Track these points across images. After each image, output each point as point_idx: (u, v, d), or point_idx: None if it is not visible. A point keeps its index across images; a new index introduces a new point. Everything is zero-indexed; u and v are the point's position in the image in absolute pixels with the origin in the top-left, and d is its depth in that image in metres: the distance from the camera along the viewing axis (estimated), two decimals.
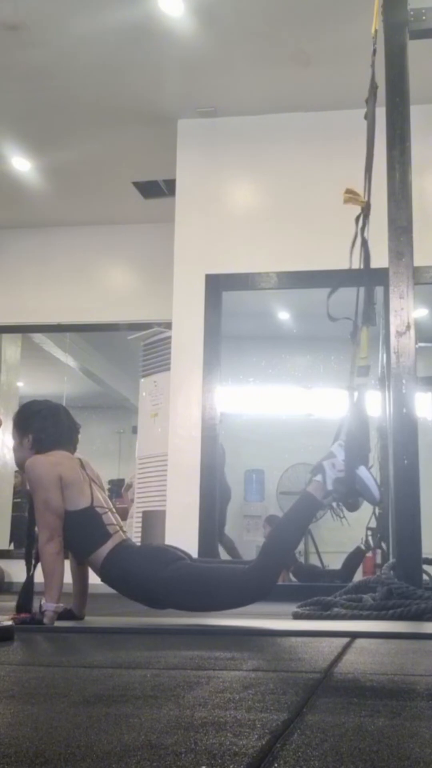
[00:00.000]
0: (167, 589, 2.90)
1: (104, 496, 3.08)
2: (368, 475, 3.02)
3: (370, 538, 6.20)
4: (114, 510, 3.09)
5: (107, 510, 3.02)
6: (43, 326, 8.55)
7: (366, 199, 3.71)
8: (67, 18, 5.33)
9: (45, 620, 2.81)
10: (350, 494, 3.00)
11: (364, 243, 3.66)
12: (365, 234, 3.68)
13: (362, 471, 3.02)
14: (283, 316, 8.86)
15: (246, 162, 6.55)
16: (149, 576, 2.92)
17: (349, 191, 3.63)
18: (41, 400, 3.23)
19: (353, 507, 3.06)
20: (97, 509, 2.97)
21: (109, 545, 2.95)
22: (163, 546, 3.25)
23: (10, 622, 2.48)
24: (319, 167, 6.37)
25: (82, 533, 2.95)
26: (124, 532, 3.06)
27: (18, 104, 6.33)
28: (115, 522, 3.02)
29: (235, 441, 8.10)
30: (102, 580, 3.03)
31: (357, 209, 3.77)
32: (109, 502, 3.11)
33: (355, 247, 3.71)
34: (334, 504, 3.04)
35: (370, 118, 3.86)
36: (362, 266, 3.65)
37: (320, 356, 9.05)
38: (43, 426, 3.09)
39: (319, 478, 3.01)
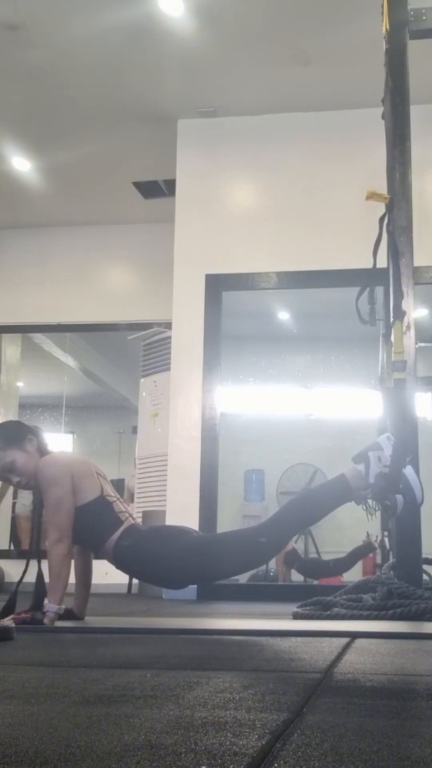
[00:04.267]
0: (182, 560, 2.90)
1: (111, 487, 3.10)
2: (414, 476, 2.83)
3: (386, 539, 6.14)
4: (121, 499, 3.10)
5: (116, 499, 3.04)
6: (43, 326, 8.55)
7: (389, 195, 3.70)
8: (67, 18, 5.33)
9: (45, 621, 2.81)
10: (392, 492, 2.79)
11: (391, 236, 3.64)
12: (390, 228, 3.66)
13: (409, 470, 2.82)
14: (283, 316, 8.86)
15: (246, 162, 6.55)
16: (162, 552, 2.93)
17: (371, 192, 3.62)
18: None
19: (392, 512, 2.87)
20: (107, 498, 2.99)
21: (120, 531, 2.96)
22: (170, 525, 3.26)
23: (10, 622, 2.48)
24: (319, 167, 6.38)
25: (95, 522, 2.95)
26: (134, 519, 3.07)
27: (18, 104, 6.34)
28: (124, 510, 3.03)
29: (235, 441, 8.10)
30: (116, 567, 3.03)
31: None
32: (116, 492, 3.12)
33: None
34: (371, 502, 2.86)
35: (387, 117, 3.87)
36: (389, 259, 3.63)
37: (320, 356, 9.05)
38: (31, 427, 3.10)
39: (361, 468, 2.82)
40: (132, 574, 3.15)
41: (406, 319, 3.72)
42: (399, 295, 3.54)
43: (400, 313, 3.50)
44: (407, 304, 3.73)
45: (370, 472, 2.80)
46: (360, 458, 2.85)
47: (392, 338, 3.48)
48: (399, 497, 2.82)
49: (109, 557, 3.00)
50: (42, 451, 3.03)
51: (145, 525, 3.45)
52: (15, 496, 8.99)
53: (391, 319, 3.56)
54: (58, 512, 2.89)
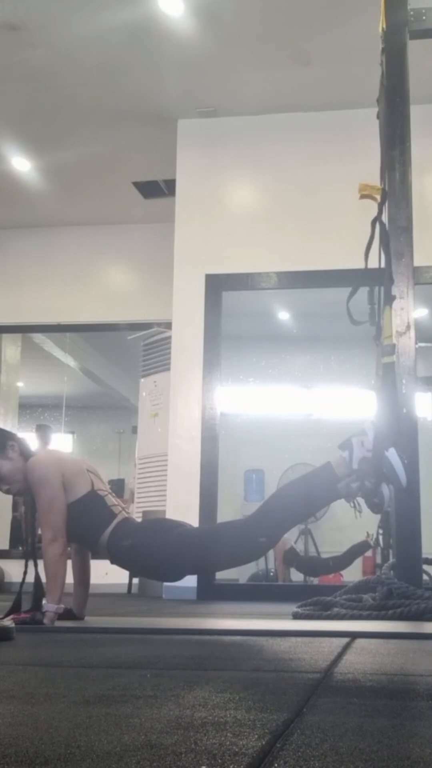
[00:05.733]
0: (176, 552, 2.90)
1: (104, 483, 3.09)
2: (397, 459, 2.80)
3: (381, 537, 6.17)
4: (113, 494, 3.09)
5: (107, 493, 3.03)
6: (43, 326, 8.56)
7: (382, 187, 3.70)
8: (67, 18, 5.33)
9: (45, 621, 2.81)
10: (376, 476, 2.77)
11: (383, 227, 3.63)
12: (383, 218, 3.66)
13: (391, 453, 2.80)
14: (283, 316, 8.86)
15: (246, 162, 6.55)
16: (156, 544, 2.93)
17: (364, 185, 3.62)
18: None
19: (378, 508, 2.85)
20: (98, 492, 2.98)
21: (114, 524, 2.95)
22: (164, 518, 3.26)
23: (10, 622, 2.48)
24: (319, 167, 6.38)
25: (88, 517, 2.95)
26: (127, 512, 3.07)
27: (18, 104, 6.34)
28: (117, 503, 3.03)
29: (235, 441, 8.10)
30: (111, 561, 3.02)
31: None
32: (108, 487, 3.11)
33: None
34: (359, 501, 2.84)
35: (382, 117, 3.87)
36: (382, 250, 3.62)
37: (320, 356, 9.05)
38: (11, 433, 3.10)
39: (345, 454, 2.81)
40: (127, 568, 3.15)
41: (405, 319, 3.73)
42: (390, 282, 3.54)
43: (390, 299, 3.50)
44: (407, 303, 3.73)
45: (354, 458, 2.79)
46: (345, 445, 2.84)
47: (383, 322, 3.47)
48: (386, 492, 2.82)
49: (103, 552, 2.99)
50: (25, 455, 3.01)
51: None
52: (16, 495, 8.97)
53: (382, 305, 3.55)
54: (50, 512, 2.88)
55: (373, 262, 3.68)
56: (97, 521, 2.95)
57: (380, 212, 3.70)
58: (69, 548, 3.03)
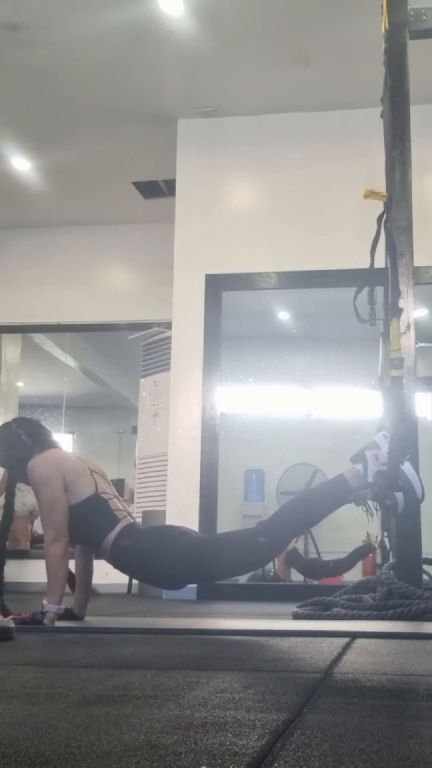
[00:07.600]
0: (179, 560, 2.89)
1: (110, 486, 3.08)
2: (412, 471, 2.81)
3: (386, 540, 6.13)
4: (120, 497, 3.08)
5: (112, 496, 3.02)
6: (43, 326, 8.55)
7: (387, 193, 3.70)
8: (67, 18, 5.33)
9: (45, 621, 2.81)
10: (392, 489, 2.77)
11: (389, 234, 3.63)
12: (388, 226, 3.65)
13: (407, 467, 2.81)
14: (283, 316, 8.86)
15: (246, 162, 6.55)
16: (161, 551, 2.91)
17: (369, 191, 3.62)
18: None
19: (393, 511, 2.85)
20: (102, 496, 2.97)
21: (118, 529, 2.94)
22: (169, 524, 3.25)
23: (10, 622, 2.48)
24: (319, 167, 6.38)
25: (91, 521, 2.94)
26: (132, 517, 3.06)
27: (18, 104, 6.34)
28: (121, 508, 3.02)
29: (235, 441, 8.10)
30: (114, 566, 3.01)
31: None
32: (114, 490, 3.10)
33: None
34: (370, 503, 2.85)
35: (386, 116, 3.87)
36: (387, 258, 3.62)
37: (320, 356, 9.05)
38: (27, 431, 3.10)
39: (359, 467, 2.81)
40: (130, 574, 3.15)
41: (405, 319, 3.72)
42: (397, 293, 3.54)
43: (397, 311, 3.50)
44: (407, 303, 3.73)
45: (368, 471, 2.80)
46: (357, 458, 2.85)
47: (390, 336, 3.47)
48: (400, 496, 2.81)
49: (106, 556, 2.99)
50: (39, 450, 3.03)
51: (144, 525, 3.44)
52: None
53: (389, 317, 3.55)
54: (52, 512, 2.88)
55: (376, 261, 3.68)
56: (100, 525, 2.94)
57: (387, 217, 3.69)
58: (72, 548, 3.02)
